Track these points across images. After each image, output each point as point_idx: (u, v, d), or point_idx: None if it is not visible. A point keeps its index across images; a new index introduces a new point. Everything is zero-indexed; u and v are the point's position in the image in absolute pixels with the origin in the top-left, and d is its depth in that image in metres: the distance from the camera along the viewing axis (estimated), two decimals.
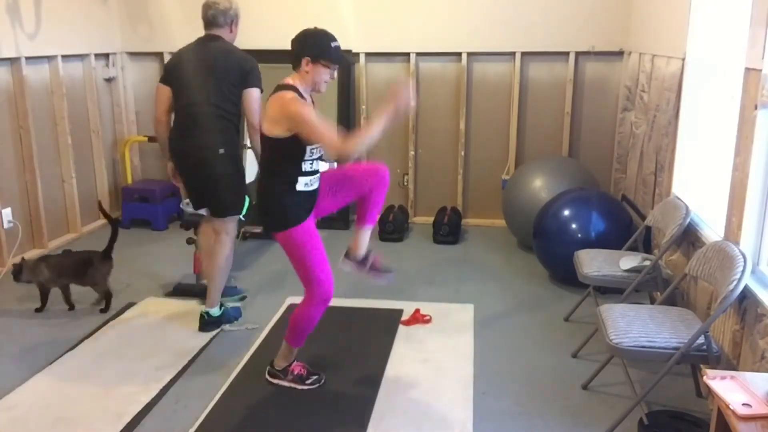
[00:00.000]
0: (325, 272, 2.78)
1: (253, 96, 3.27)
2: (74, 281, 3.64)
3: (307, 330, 2.87)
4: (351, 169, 2.95)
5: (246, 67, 3.27)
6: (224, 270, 3.37)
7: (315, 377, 2.96)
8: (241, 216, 3.39)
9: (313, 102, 2.82)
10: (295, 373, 2.94)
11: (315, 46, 2.69)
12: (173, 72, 3.30)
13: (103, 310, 3.64)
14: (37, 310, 3.63)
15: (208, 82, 3.22)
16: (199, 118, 3.22)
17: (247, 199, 3.41)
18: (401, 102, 2.57)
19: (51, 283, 3.61)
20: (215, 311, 3.39)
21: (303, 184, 2.76)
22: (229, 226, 3.35)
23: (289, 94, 2.63)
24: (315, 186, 2.84)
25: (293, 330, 2.87)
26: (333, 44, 2.71)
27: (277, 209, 2.75)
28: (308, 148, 2.74)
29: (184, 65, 3.28)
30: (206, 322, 3.37)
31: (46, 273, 3.56)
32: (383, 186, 2.89)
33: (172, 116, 3.35)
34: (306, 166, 2.77)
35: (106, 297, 3.68)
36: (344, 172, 2.95)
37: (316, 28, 2.76)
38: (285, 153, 2.72)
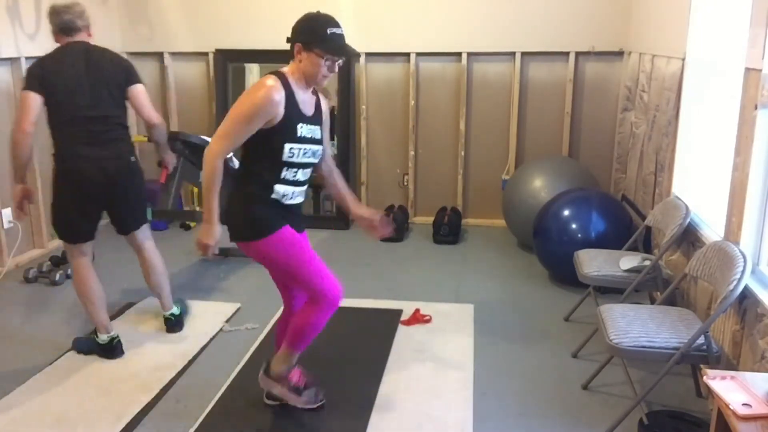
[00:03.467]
0: (326, 278, 2.40)
1: (142, 91, 3.12)
2: None
3: (311, 336, 2.50)
4: (308, 261, 2.41)
5: (127, 65, 3.15)
6: (166, 271, 3.40)
7: (311, 392, 2.67)
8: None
9: (317, 97, 2.47)
10: (293, 382, 2.63)
11: (309, 31, 2.29)
12: (50, 80, 2.93)
13: None
14: None
15: (100, 90, 2.99)
16: (101, 128, 3.01)
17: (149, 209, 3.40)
18: (201, 244, 2.37)
19: None
20: (176, 310, 3.46)
21: (280, 193, 2.36)
22: (149, 233, 3.33)
23: (266, 80, 2.27)
24: (297, 200, 2.44)
25: (295, 335, 2.48)
26: (331, 31, 2.28)
27: (241, 216, 2.36)
28: (287, 147, 2.30)
29: (66, 73, 2.95)
30: (173, 323, 3.43)
31: None
32: (319, 312, 2.43)
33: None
34: (286, 173, 2.36)
35: None
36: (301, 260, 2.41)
37: (318, 12, 2.35)
38: (258, 149, 2.31)
